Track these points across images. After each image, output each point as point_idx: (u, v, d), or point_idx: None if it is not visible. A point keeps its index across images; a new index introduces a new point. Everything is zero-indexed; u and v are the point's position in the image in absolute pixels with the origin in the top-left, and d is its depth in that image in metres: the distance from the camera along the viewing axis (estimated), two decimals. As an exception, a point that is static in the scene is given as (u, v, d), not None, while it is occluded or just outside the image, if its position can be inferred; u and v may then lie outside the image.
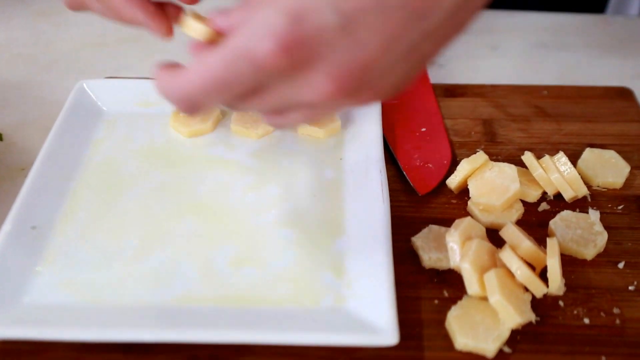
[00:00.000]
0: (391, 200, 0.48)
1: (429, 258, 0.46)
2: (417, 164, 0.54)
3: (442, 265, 0.46)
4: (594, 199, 0.51)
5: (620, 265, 0.46)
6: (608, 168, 0.52)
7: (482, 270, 0.43)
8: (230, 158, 0.53)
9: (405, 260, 0.47)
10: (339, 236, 0.47)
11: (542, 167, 0.50)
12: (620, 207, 0.50)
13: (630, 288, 0.45)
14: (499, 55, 0.71)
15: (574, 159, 0.53)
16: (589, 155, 0.54)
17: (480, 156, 0.51)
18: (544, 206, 0.50)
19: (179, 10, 0.41)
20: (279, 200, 0.49)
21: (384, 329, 0.40)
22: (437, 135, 0.56)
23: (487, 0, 0.35)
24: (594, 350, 0.41)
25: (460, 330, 0.41)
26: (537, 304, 0.43)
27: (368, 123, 0.55)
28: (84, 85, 0.57)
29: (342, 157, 0.53)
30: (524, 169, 0.51)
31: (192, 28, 0.35)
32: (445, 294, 0.45)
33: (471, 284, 0.43)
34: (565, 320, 0.43)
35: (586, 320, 0.43)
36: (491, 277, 0.42)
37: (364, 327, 0.40)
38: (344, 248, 0.46)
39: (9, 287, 0.42)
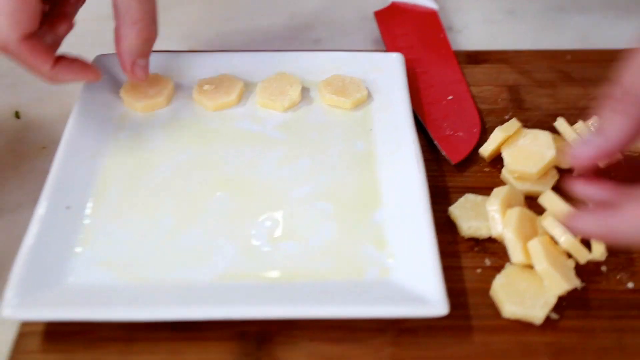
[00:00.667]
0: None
1: (469, 227, 0.46)
2: (448, 133, 0.53)
3: (481, 234, 0.46)
4: (627, 161, 0.51)
5: (658, 228, 0.47)
6: (639, 132, 0.52)
7: (525, 238, 0.43)
8: (257, 131, 0.52)
9: (442, 229, 0.47)
10: (377, 208, 0.46)
11: (577, 133, 0.50)
12: (652, 171, 0.51)
13: (670, 251, 0.45)
14: (517, 19, 0.70)
15: (604, 123, 0.53)
16: (619, 120, 0.53)
17: (514, 124, 0.50)
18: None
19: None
20: (312, 174, 0.49)
21: (433, 300, 0.40)
22: (464, 104, 0.56)
23: None
24: (640, 314, 0.42)
25: (507, 299, 0.41)
26: (580, 270, 0.44)
27: (395, 93, 0.54)
28: (102, 59, 0.56)
29: (371, 127, 0.52)
30: (556, 134, 0.51)
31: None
32: (487, 262, 0.45)
33: (515, 253, 0.43)
34: (609, 285, 0.43)
35: (630, 285, 0.43)
36: (536, 245, 0.42)
37: (413, 298, 0.40)
38: (383, 220, 0.46)
39: (53, 269, 0.41)
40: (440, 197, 0.49)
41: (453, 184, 0.50)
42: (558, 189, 0.49)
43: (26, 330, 0.41)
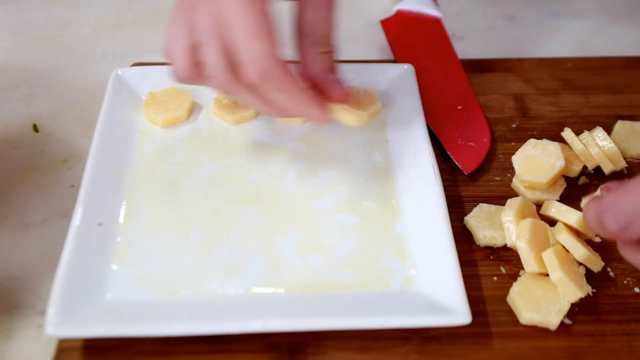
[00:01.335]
0: (439, 180, 0.50)
1: (484, 236, 0.48)
2: (459, 142, 0.55)
3: (496, 242, 0.48)
4: (629, 170, 0.54)
5: (661, 234, 0.49)
6: (640, 139, 0.55)
7: (537, 248, 0.46)
8: (278, 144, 0.54)
9: (459, 238, 0.49)
10: (397, 219, 0.48)
11: (583, 143, 0.52)
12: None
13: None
14: (516, 25, 0.72)
15: (606, 131, 0.55)
16: (621, 128, 0.56)
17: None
18: (583, 180, 0.53)
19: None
20: (332, 186, 0.51)
21: (456, 309, 0.42)
22: (473, 113, 0.58)
23: None
24: (647, 318, 0.44)
25: (524, 306, 0.44)
26: (589, 275, 0.46)
27: (408, 104, 0.56)
28: (119, 72, 0.57)
29: (387, 139, 0.54)
30: (562, 144, 0.54)
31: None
32: (503, 270, 0.47)
33: (529, 262, 0.45)
34: (617, 290, 0.46)
35: (637, 290, 0.46)
36: (550, 255, 0.44)
37: (436, 307, 0.42)
38: (404, 231, 0.48)
39: (92, 286, 0.43)
40: (455, 206, 0.51)
41: (466, 193, 0.52)
42: (565, 196, 0.51)
43: (65, 346, 0.43)
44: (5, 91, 0.62)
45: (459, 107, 0.58)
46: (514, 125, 0.58)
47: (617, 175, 0.53)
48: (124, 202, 0.48)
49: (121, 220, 0.47)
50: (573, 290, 0.43)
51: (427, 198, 0.48)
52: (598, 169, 0.53)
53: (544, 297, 0.44)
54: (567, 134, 0.53)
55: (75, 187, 0.53)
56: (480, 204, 0.51)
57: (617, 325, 0.44)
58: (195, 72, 0.42)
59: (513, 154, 0.52)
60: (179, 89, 0.55)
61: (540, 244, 0.46)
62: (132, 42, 0.69)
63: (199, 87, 0.57)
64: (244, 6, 0.39)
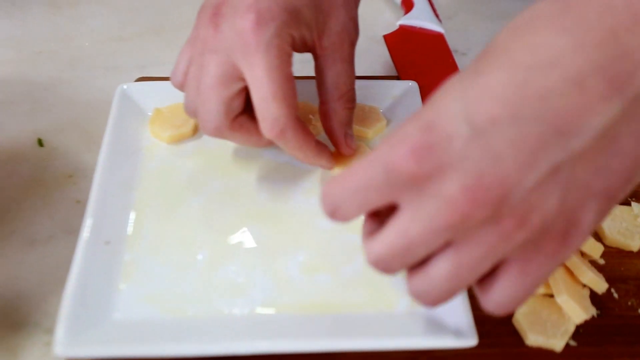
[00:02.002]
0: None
1: (489, 256, 0.49)
2: (463, 160, 0.55)
3: (501, 262, 0.49)
4: (633, 192, 0.54)
5: (665, 254, 0.50)
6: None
7: (543, 268, 0.46)
8: (283, 161, 0.54)
9: (463, 258, 0.49)
10: (403, 239, 0.49)
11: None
12: (656, 198, 0.54)
13: (676, 277, 0.48)
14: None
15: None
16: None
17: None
18: (586, 199, 0.53)
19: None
20: (338, 204, 0.51)
21: (463, 331, 0.42)
22: (477, 130, 0.58)
23: None
24: (651, 340, 0.45)
25: (530, 327, 0.44)
26: (593, 297, 0.47)
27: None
28: (125, 87, 0.57)
29: (392, 156, 0.55)
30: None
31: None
32: (508, 290, 0.48)
33: (535, 283, 0.46)
34: (621, 311, 0.46)
35: (640, 311, 0.46)
36: (556, 278, 0.45)
37: (443, 329, 0.43)
38: (409, 251, 0.48)
39: (100, 305, 0.43)
40: (459, 226, 0.51)
41: (470, 212, 0.53)
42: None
43: (72, 364, 0.43)
44: (9, 105, 0.62)
45: (463, 125, 0.59)
46: (517, 143, 0.58)
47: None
48: (130, 220, 0.49)
49: (128, 238, 0.47)
50: (578, 313, 0.44)
51: (433, 218, 0.49)
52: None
53: (549, 319, 0.45)
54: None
55: (80, 203, 0.53)
56: (485, 223, 0.51)
57: (621, 347, 0.44)
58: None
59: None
60: (185, 105, 0.56)
61: (545, 265, 0.46)
62: (136, 55, 0.69)
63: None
64: (267, 70, 0.42)
